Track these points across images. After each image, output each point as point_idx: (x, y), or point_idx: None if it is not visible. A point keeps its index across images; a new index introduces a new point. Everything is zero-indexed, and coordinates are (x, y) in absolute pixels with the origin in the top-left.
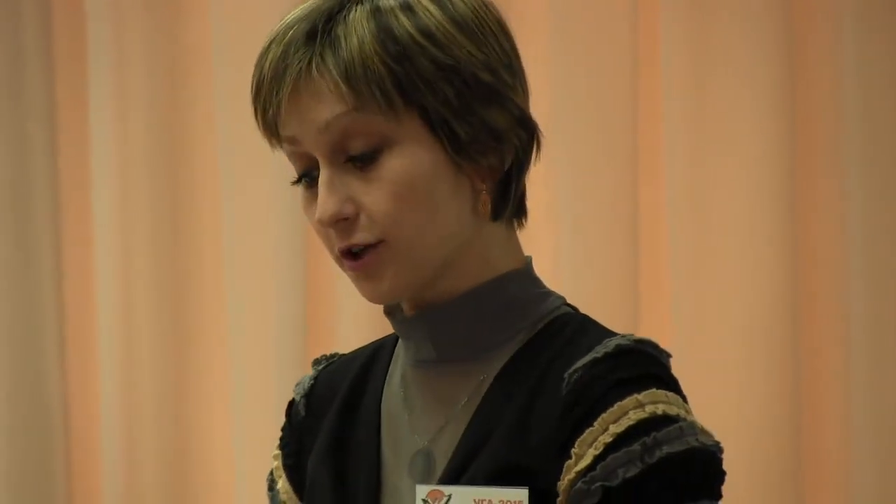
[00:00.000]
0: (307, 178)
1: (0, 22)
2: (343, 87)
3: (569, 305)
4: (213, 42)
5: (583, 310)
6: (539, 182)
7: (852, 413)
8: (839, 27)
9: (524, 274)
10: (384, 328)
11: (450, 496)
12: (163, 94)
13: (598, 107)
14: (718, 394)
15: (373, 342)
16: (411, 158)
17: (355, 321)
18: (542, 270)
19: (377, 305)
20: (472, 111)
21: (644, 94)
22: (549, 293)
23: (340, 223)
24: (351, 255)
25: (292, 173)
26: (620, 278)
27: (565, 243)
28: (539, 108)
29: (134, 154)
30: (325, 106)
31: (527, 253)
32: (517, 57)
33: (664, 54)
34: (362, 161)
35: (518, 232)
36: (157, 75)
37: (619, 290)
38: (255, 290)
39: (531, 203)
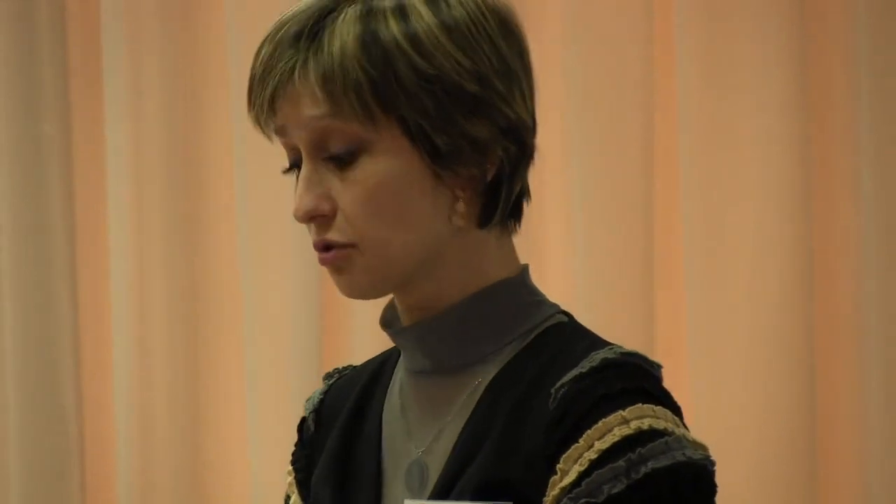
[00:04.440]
0: (297, 167)
1: (15, 24)
2: (320, 94)
3: (564, 313)
4: (227, 43)
5: (597, 315)
6: (555, 186)
7: (867, 416)
8: (853, 30)
9: (517, 282)
10: None
11: None
12: (177, 94)
13: (613, 110)
14: (733, 394)
15: (382, 353)
16: (387, 165)
17: (370, 321)
18: (555, 274)
19: None
20: (453, 122)
21: (659, 97)
22: (542, 302)
23: (318, 219)
24: (324, 249)
25: None
26: (635, 280)
27: (580, 246)
28: (554, 112)
29: (149, 155)
30: (305, 107)
31: (542, 257)
32: (521, 58)
33: (679, 56)
34: (340, 161)
35: (514, 237)
36: (171, 76)
37: (635, 292)
38: (270, 291)
39: (546, 207)
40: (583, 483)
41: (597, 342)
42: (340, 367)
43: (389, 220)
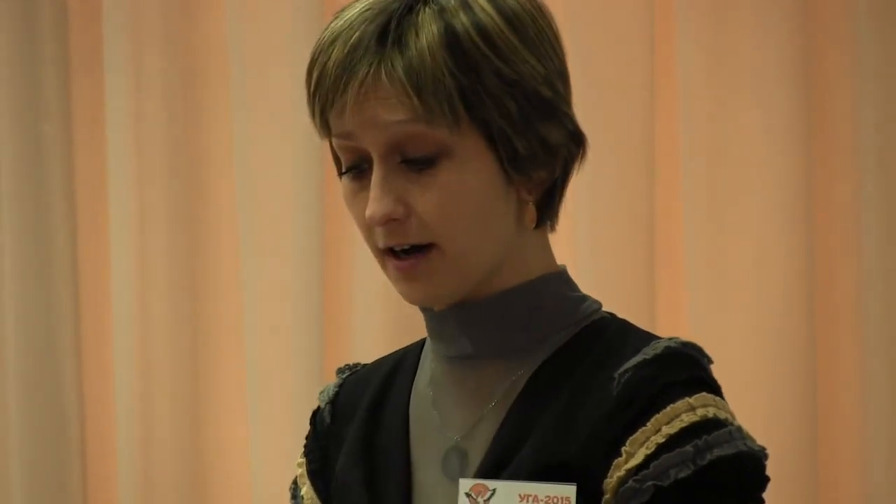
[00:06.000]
0: (355, 170)
1: (16, 23)
2: (415, 99)
3: (606, 311)
4: (228, 42)
5: None
6: None
7: (868, 417)
8: (855, 29)
9: (560, 278)
10: (401, 328)
11: (494, 491)
12: (179, 94)
13: (614, 109)
14: (734, 395)
15: (397, 350)
16: (469, 171)
17: (372, 321)
18: None
19: (393, 305)
20: (532, 127)
21: (661, 96)
22: (586, 297)
23: (390, 223)
24: (394, 254)
25: (312, 173)
26: (636, 279)
27: (581, 246)
28: None
29: (150, 155)
30: (392, 111)
31: None
32: (564, 55)
33: (681, 53)
34: (419, 165)
35: (550, 235)
36: (172, 75)
37: (635, 292)
38: (272, 290)
39: None
40: (650, 466)
41: (649, 334)
42: (351, 363)
43: (469, 226)
